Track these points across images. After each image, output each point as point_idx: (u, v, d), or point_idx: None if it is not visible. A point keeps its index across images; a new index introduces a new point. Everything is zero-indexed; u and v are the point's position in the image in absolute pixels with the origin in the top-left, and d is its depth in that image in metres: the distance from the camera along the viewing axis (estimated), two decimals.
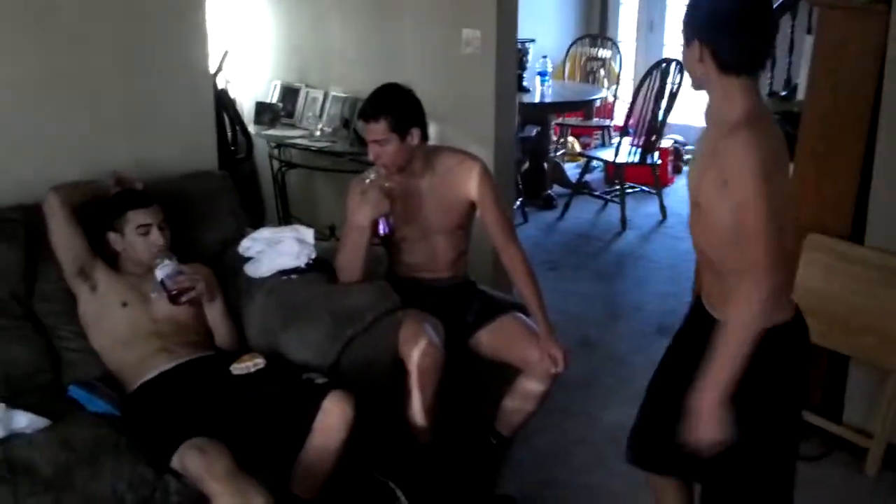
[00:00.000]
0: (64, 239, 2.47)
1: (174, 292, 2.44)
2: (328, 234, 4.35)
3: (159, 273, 2.44)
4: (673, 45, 7.24)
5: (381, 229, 2.63)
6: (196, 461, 2.07)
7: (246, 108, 4.71)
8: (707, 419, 1.78)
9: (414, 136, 2.62)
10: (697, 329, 2.06)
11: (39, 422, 2.20)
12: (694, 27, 1.83)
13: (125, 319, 2.49)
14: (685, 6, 1.88)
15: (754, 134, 1.76)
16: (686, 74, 1.96)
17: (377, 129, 2.57)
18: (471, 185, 2.71)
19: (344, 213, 2.70)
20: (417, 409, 2.57)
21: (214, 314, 2.60)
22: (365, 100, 2.64)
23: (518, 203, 5.40)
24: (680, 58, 5.51)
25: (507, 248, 2.74)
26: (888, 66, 2.79)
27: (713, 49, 1.79)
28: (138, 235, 2.50)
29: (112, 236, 2.53)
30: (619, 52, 7.00)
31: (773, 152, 1.79)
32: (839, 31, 2.96)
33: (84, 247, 2.49)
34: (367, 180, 2.60)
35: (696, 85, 1.90)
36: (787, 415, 1.99)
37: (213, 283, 2.61)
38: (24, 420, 2.19)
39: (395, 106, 2.59)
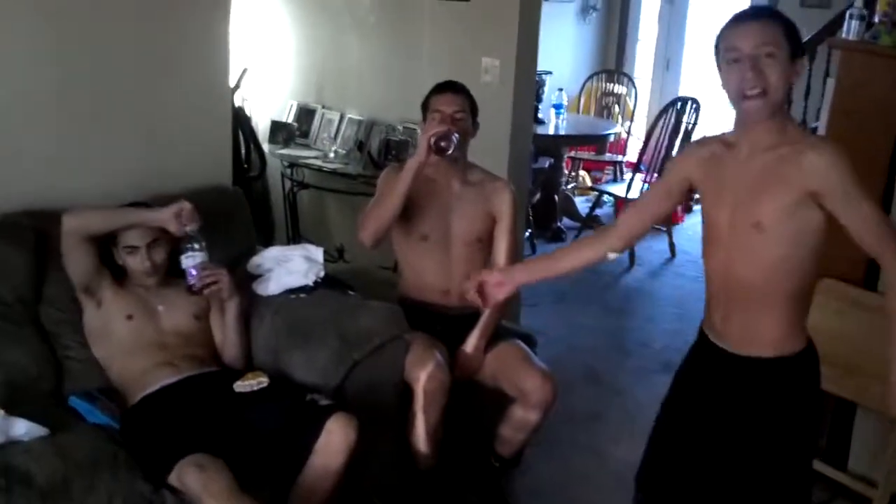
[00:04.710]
0: (71, 261, 2.46)
1: (197, 284, 2.43)
2: (337, 256, 4.33)
3: (187, 261, 2.43)
4: (688, 83, 7.26)
5: (453, 140, 2.61)
6: (194, 478, 2.04)
7: (261, 126, 4.72)
8: None
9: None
10: (707, 370, 2.03)
11: (38, 430, 2.17)
12: (799, 41, 1.80)
13: (130, 331, 2.47)
14: (782, 22, 1.79)
15: (836, 144, 1.79)
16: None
17: (457, 101, 2.73)
18: (499, 203, 2.81)
19: (353, 235, 2.69)
20: (421, 434, 2.55)
21: (228, 323, 2.57)
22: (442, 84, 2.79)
23: (527, 234, 5.39)
24: (695, 95, 5.59)
25: None
26: None
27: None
28: (126, 255, 2.50)
29: (114, 250, 2.52)
30: (634, 88, 7.02)
31: None
32: (860, 73, 2.95)
33: (91, 268, 2.47)
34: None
35: (770, 109, 1.78)
36: (808, 441, 1.99)
37: (233, 286, 2.57)
38: (22, 427, 2.16)
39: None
